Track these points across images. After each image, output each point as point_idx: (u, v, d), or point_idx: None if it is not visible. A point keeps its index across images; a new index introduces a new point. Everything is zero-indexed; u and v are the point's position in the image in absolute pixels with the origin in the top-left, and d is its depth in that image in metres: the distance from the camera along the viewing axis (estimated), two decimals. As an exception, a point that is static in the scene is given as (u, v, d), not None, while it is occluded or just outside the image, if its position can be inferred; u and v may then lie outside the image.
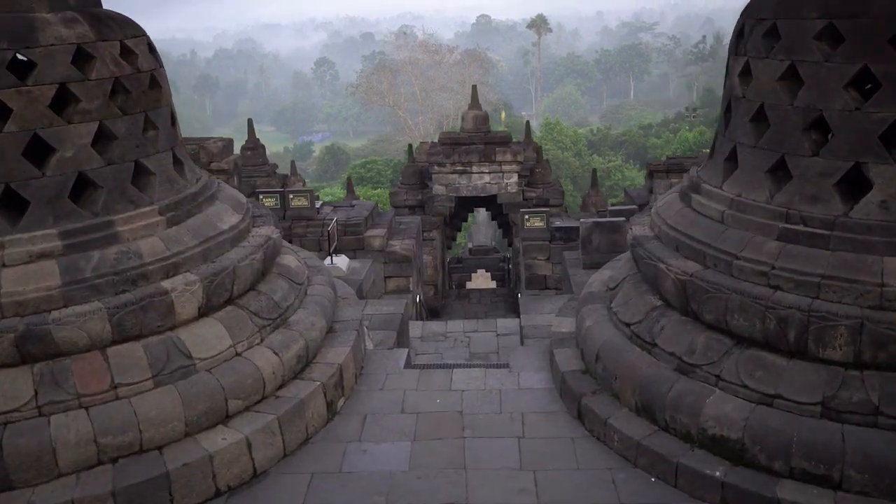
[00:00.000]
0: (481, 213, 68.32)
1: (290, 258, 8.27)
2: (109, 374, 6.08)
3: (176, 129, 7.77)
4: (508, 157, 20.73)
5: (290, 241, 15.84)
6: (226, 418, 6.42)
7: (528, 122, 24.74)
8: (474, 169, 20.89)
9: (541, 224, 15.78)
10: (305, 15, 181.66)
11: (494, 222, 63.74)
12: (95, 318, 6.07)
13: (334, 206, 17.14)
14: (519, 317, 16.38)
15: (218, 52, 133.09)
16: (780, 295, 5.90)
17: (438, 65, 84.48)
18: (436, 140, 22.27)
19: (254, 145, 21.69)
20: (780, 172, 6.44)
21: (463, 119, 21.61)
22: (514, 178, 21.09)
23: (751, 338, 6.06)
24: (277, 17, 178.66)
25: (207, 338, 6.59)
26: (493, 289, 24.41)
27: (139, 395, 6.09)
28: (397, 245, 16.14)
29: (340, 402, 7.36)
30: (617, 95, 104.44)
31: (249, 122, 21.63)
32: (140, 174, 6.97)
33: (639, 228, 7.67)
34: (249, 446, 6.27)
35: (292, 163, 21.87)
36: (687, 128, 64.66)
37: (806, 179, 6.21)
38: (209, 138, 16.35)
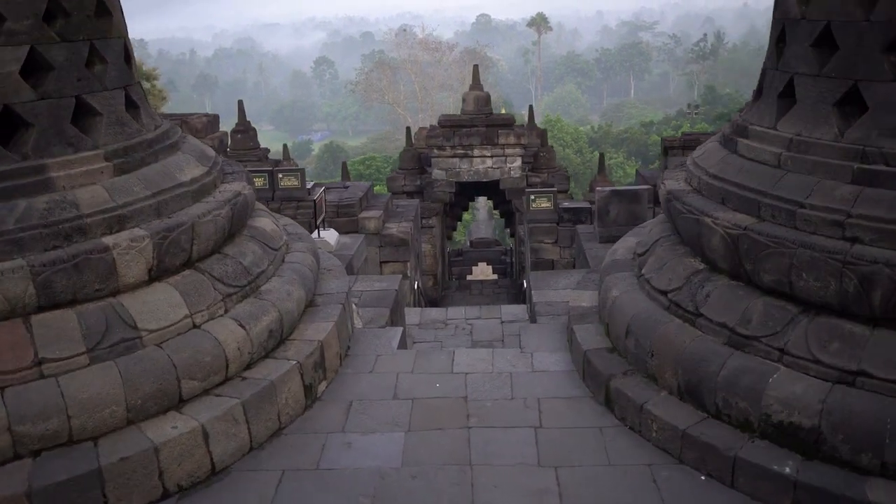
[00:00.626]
0: (481, 212, 67.40)
1: (266, 220, 7.08)
2: (32, 347, 4.89)
3: (132, 69, 6.59)
4: (512, 139, 19.56)
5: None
6: (179, 403, 5.24)
7: (531, 107, 23.59)
8: (476, 152, 19.72)
9: (548, 205, 14.61)
10: (304, 14, 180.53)
11: (493, 220, 62.58)
12: (16, 279, 4.88)
13: (327, 187, 15.94)
14: (525, 303, 15.21)
15: (217, 52, 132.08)
16: (860, 248, 4.72)
17: (438, 63, 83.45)
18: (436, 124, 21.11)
19: (244, 128, 20.51)
20: (851, 104, 5.26)
21: (463, 100, 20.45)
22: (518, 162, 19.91)
23: (823, 302, 4.88)
24: (276, 16, 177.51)
25: (158, 306, 5.41)
26: (495, 280, 23.21)
27: (69, 374, 4.91)
28: (394, 228, 14.97)
29: (321, 387, 6.17)
30: (617, 94, 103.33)
31: (240, 103, 20.46)
32: (82, 113, 5.78)
33: (673, 183, 6.49)
34: (206, 437, 5.09)
35: (284, 146, 20.71)
36: (688, 125, 63.90)
37: (886, 110, 5.03)
38: (192, 114, 15.17)
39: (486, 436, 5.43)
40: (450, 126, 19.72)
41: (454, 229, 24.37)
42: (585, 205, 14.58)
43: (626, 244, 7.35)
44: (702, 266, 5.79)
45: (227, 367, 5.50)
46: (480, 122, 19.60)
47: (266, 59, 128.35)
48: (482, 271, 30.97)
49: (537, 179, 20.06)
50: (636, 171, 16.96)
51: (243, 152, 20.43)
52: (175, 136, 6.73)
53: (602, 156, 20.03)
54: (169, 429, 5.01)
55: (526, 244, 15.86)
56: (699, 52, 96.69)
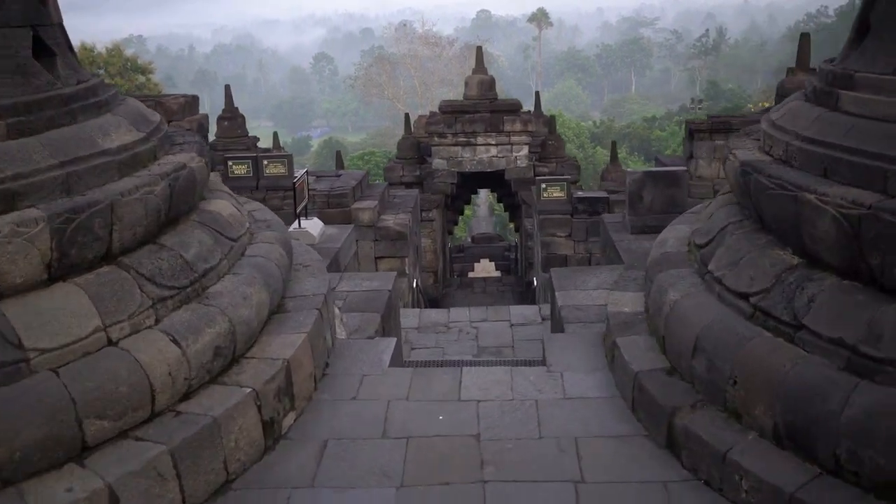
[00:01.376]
0: (482, 208, 65.83)
1: (223, 203, 5.54)
2: None
3: (49, 8, 5.08)
4: (518, 126, 18.03)
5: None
6: (81, 452, 3.72)
7: (537, 93, 22.04)
8: (479, 140, 18.19)
9: (561, 194, 13.09)
10: (304, 11, 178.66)
11: (494, 217, 60.69)
12: None
13: (318, 175, 14.42)
14: (535, 302, 13.68)
15: (216, 48, 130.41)
16: None
17: (438, 58, 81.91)
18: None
19: (231, 114, 18.98)
20: None
21: (466, 85, 18.91)
22: (525, 150, 18.38)
23: None
24: (276, 13, 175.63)
25: (57, 316, 3.89)
26: (499, 277, 21.69)
27: (-86, 415, 3.40)
28: (390, 220, 13.44)
29: (287, 420, 4.65)
30: (618, 90, 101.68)
31: (227, 88, 18.95)
32: (-35, 57, 4.28)
33: (745, 153, 4.96)
34: (115, 502, 3.58)
35: (275, 135, 19.18)
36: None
37: None
38: (168, 94, 13.65)
39: (507, 494, 3.91)
40: (451, 112, 18.21)
41: (455, 223, 22.86)
42: (602, 194, 13.07)
43: (678, 234, 5.82)
44: (797, 260, 4.26)
45: (154, 399, 3.98)
46: (484, 107, 18.09)
47: (265, 55, 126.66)
48: (484, 268, 29.46)
49: (545, 169, 18.53)
50: (655, 158, 15.47)
51: (230, 140, 18.90)
52: (105, 93, 5.19)
53: (614, 144, 18.53)
54: (61, 492, 3.49)
55: (535, 238, 14.34)
56: (701, 48, 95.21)
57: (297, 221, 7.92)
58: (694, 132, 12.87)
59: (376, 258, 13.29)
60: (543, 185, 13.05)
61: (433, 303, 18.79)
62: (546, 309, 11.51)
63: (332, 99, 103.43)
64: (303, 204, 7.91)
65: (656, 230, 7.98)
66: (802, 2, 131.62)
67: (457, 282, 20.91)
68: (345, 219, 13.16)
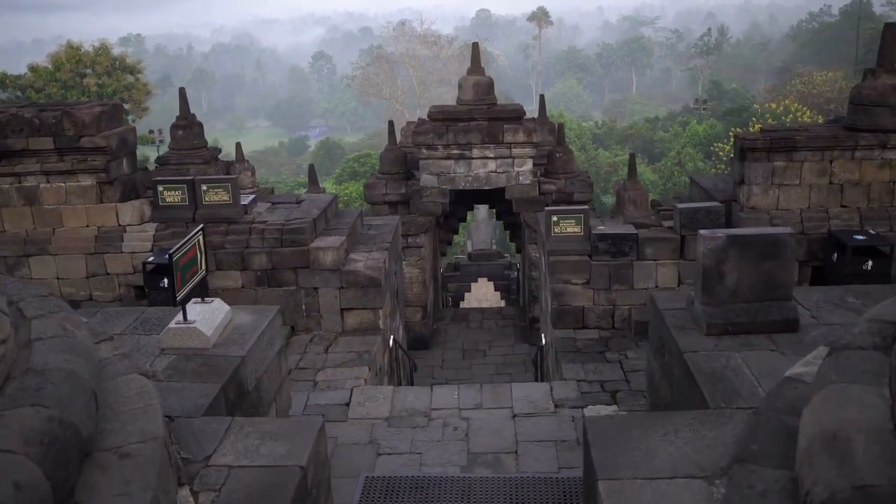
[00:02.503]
0: (481, 211, 62.63)
1: None
2: None
3: None
4: (521, 136, 14.94)
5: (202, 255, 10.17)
6: None
7: (542, 97, 18.93)
8: (475, 153, 15.11)
9: (576, 230, 10.02)
10: (303, 10, 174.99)
11: (493, 219, 57.67)
12: None
13: (273, 202, 11.35)
14: (545, 378, 10.65)
15: (215, 47, 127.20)
16: None
17: (437, 57, 78.83)
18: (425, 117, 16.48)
19: (187, 122, 15.86)
20: None
21: (460, 87, 15.82)
22: (528, 165, 15.30)
23: None
24: (275, 12, 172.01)
25: None
26: (500, 308, 18.62)
27: None
28: (361, 261, 10.38)
29: None
30: (618, 90, 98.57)
31: (181, 92, 15.85)
32: None
33: None
34: None
35: (237, 146, 16.10)
36: (695, 120, 59.77)
37: None
38: (81, 102, 10.61)
39: None
40: (442, 119, 15.16)
41: (449, 243, 19.81)
42: (629, 229, 10.02)
43: (856, 411, 2.73)
44: None
45: None
46: (481, 113, 15.05)
47: (264, 54, 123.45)
48: (483, 288, 26.39)
49: (552, 187, 15.49)
50: (690, 179, 12.42)
51: (185, 152, 15.83)
52: None
53: (633, 157, 15.47)
54: None
55: (544, 282, 11.27)
56: (703, 47, 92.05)
57: (181, 313, 4.88)
58: (746, 150, 9.80)
59: (342, 310, 10.24)
60: (555, 219, 9.99)
61: (421, 342, 15.74)
62: (561, 390, 8.49)
63: (330, 98, 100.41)
64: (190, 284, 4.88)
65: (748, 330, 4.91)
66: (803, 2, 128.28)
67: (450, 313, 17.86)
68: (301, 261, 10.12)
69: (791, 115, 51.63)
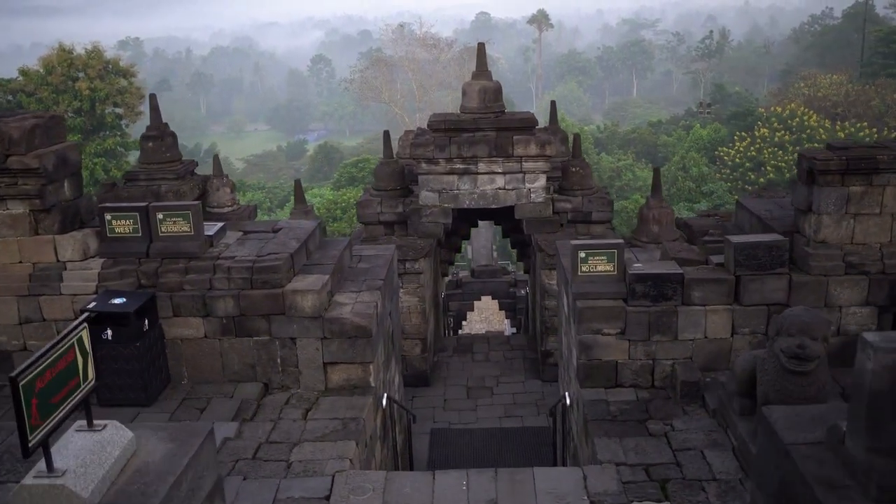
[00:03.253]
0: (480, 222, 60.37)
1: None
2: None
3: None
4: (532, 149, 13.09)
5: (153, 301, 8.35)
6: None
7: (553, 103, 17.07)
8: (482, 167, 13.26)
9: (608, 268, 8.17)
10: (303, 14, 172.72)
11: (493, 229, 55.86)
12: None
13: (245, 232, 9.47)
14: (570, 461, 8.78)
15: (213, 51, 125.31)
16: None
17: (437, 60, 76.97)
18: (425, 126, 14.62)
19: (158, 132, 14.01)
20: None
21: (464, 93, 13.96)
22: (541, 181, 13.46)
23: None
24: (275, 15, 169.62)
25: None
26: (507, 338, 16.75)
27: None
28: (348, 305, 8.52)
29: None
30: (619, 93, 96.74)
31: (152, 98, 13.98)
32: None
33: None
34: None
35: (215, 158, 14.21)
36: (699, 124, 58.15)
37: None
38: (10, 114, 8.73)
39: None
40: (444, 130, 13.33)
41: (451, 263, 17.95)
42: (672, 268, 8.16)
43: None
44: None
45: None
46: (488, 123, 13.22)
47: (262, 58, 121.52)
48: (487, 308, 24.55)
49: (568, 205, 13.64)
50: (738, 202, 10.54)
51: (156, 167, 14.00)
52: None
53: (657, 172, 13.63)
54: None
55: (566, 330, 9.39)
56: (705, 50, 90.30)
57: (45, 458, 3.01)
58: (817, 173, 7.95)
59: (325, 364, 8.38)
60: (583, 255, 8.13)
61: (420, 379, 13.90)
62: (597, 479, 6.63)
63: (329, 102, 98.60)
64: (59, 413, 3.02)
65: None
66: (803, 4, 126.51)
67: (452, 343, 15.98)
68: (276, 306, 8.27)
69: (797, 119, 49.90)
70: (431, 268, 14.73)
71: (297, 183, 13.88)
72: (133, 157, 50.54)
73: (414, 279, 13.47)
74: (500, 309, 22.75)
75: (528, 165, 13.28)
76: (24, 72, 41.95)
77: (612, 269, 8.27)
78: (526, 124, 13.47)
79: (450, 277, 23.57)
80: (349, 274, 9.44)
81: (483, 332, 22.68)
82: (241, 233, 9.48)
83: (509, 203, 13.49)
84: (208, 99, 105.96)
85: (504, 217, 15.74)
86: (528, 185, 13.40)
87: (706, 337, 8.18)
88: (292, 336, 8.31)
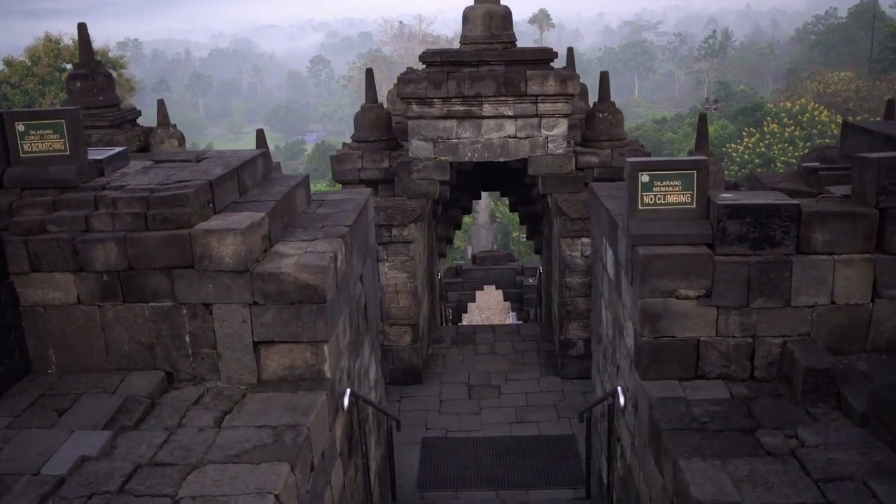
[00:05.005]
0: (481, 215, 57.73)
1: None
2: None
3: None
4: (551, 85, 10.22)
5: (5, 249, 5.42)
6: None
7: (570, 49, 14.26)
8: (487, 110, 10.39)
9: (684, 198, 5.30)
10: (303, 16, 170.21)
11: (495, 225, 52.64)
12: None
13: (156, 161, 6.56)
14: (610, 447, 5.83)
15: (213, 52, 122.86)
16: None
17: (436, 58, 74.32)
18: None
19: (87, 70, 11.21)
20: None
21: (465, 20, 11.08)
22: (562, 127, 10.58)
23: None
24: (275, 18, 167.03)
25: None
26: (516, 326, 13.80)
27: None
28: (292, 256, 5.61)
29: None
30: (620, 94, 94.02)
31: (80, 28, 11.16)
32: None
33: None
34: None
35: (160, 103, 11.39)
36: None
37: None
38: None
39: None
40: (441, 64, 10.50)
41: (449, 241, 15.06)
42: (780, 198, 5.31)
43: None
44: None
45: None
46: (495, 56, 10.39)
47: (262, 60, 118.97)
48: (490, 300, 21.65)
49: (594, 158, 10.78)
50: (845, 124, 7.63)
51: (84, 113, 11.17)
52: None
53: (704, 119, 10.81)
54: None
55: (609, 297, 6.45)
56: (708, 49, 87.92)
57: None
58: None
59: (257, 344, 5.47)
60: (646, 178, 5.26)
61: (410, 375, 11.03)
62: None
63: (328, 102, 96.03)
64: None
65: None
66: (804, 7, 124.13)
67: (451, 333, 13.08)
68: (180, 257, 5.36)
69: (807, 115, 47.49)
70: (424, 237, 11.85)
71: (260, 133, 11.00)
72: (123, 151, 47.96)
73: (402, 250, 10.58)
74: (506, 300, 19.86)
75: (545, 107, 10.40)
76: (8, 62, 39.66)
77: (689, 199, 5.38)
78: (542, 56, 10.60)
79: (448, 266, 20.69)
80: (304, 221, 6.54)
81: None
82: (150, 162, 6.59)
83: (521, 155, 10.61)
84: (207, 100, 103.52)
85: (513, 183, 12.91)
86: (545, 133, 10.51)
87: (833, 302, 5.28)
88: (206, 301, 5.41)
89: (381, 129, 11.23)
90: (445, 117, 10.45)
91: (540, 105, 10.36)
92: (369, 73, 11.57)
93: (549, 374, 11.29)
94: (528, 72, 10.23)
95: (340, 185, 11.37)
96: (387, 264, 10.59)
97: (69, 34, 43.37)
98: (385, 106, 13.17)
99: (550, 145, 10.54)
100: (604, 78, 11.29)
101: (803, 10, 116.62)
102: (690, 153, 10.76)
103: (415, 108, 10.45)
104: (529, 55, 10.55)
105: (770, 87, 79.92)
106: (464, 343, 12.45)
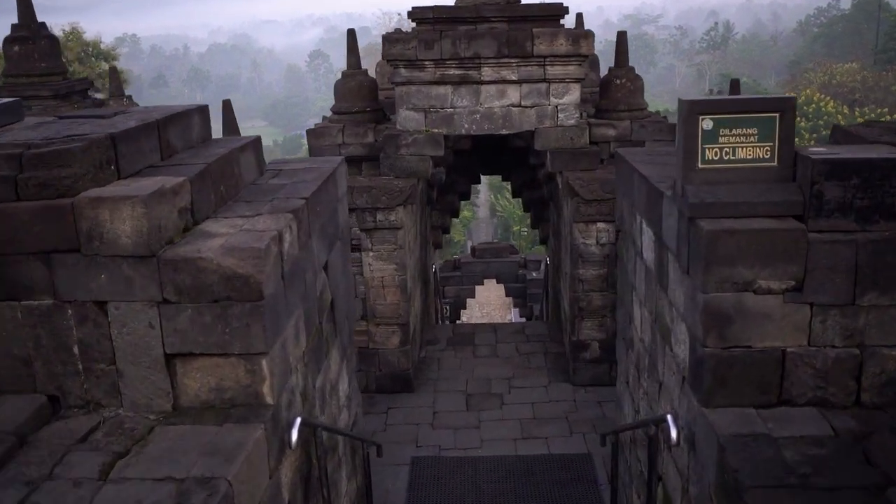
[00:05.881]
0: (481, 208, 56.01)
1: None
2: None
3: None
4: (562, 45, 8.65)
5: None
6: None
7: (580, 15, 12.72)
8: (487, 74, 8.82)
9: (762, 153, 3.77)
10: (303, 11, 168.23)
11: (495, 220, 51.05)
12: None
13: (61, 116, 5.01)
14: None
15: (211, 47, 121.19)
16: None
17: (436, 51, 72.63)
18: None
19: (29, 33, 9.66)
20: None
21: (462, -29, 9.51)
22: (574, 93, 9.01)
23: None
24: (274, 13, 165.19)
25: None
26: (520, 325, 12.21)
27: None
28: (219, 237, 4.06)
29: None
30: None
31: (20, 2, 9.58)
32: None
33: None
34: None
35: (112, 70, 9.84)
36: None
37: None
38: None
39: None
40: (433, 21, 8.95)
41: (446, 230, 13.49)
42: (887, 151, 3.82)
43: None
44: None
45: None
46: (496, 11, 8.84)
47: (261, 54, 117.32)
48: (490, 293, 20.13)
49: (611, 131, 9.25)
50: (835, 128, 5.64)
51: (24, 81, 9.71)
52: None
53: (736, 85, 9.26)
54: None
55: (655, 299, 4.89)
56: (710, 42, 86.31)
57: None
58: None
59: (170, 358, 3.91)
60: (708, 124, 3.74)
61: (400, 382, 9.50)
62: None
63: (327, 97, 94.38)
64: None
65: None
66: (804, 1, 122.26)
67: (447, 332, 11.52)
68: (60, 235, 3.80)
69: (814, 106, 46.02)
70: (416, 224, 10.29)
71: (226, 104, 9.43)
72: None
73: (388, 238, 9.02)
74: (507, 295, 18.31)
75: (554, 71, 8.82)
76: (-15, 52, 38.07)
77: (768, 154, 3.82)
78: (550, 13, 9.02)
79: (446, 259, 19.17)
80: (250, 193, 4.98)
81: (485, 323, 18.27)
82: (53, 118, 5.02)
83: (527, 127, 9.04)
84: (205, 95, 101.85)
85: (517, 163, 11.36)
86: (554, 101, 8.94)
87: (974, 299, 3.72)
88: (99, 298, 3.86)
89: (364, 98, 9.66)
90: (438, 83, 8.88)
91: (548, 68, 8.79)
92: (351, 35, 9.99)
93: (558, 381, 9.75)
94: (534, 29, 8.66)
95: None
96: (371, 254, 9.04)
97: (59, 25, 41.84)
98: (377, 75, 11.66)
99: (560, 115, 8.97)
100: (621, 40, 9.73)
101: (804, 2, 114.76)
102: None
103: (403, 72, 8.88)
104: (536, 11, 8.97)
105: (773, 79, 78.33)
106: (461, 344, 10.90)
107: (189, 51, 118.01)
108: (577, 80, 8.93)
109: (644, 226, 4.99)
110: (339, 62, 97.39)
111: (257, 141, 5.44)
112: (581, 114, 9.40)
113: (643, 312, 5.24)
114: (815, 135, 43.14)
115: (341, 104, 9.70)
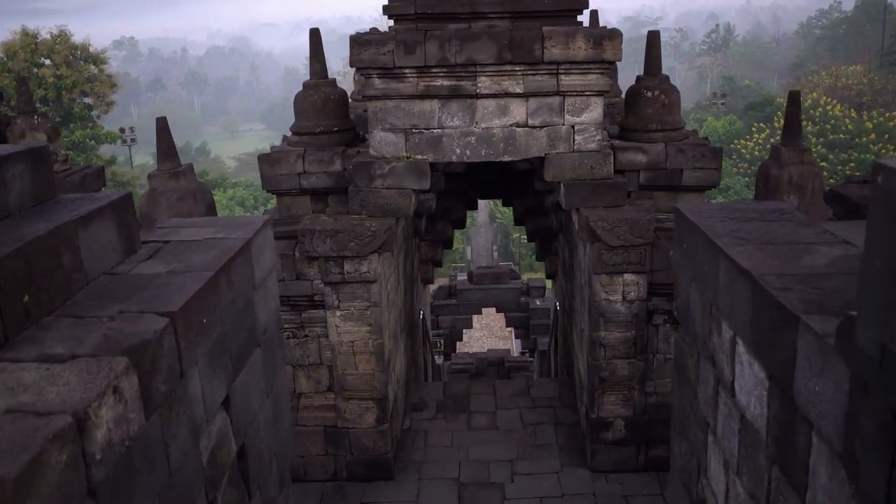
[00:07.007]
0: (481, 215, 53.81)
1: None
2: None
3: None
4: (580, 48, 6.63)
5: None
6: None
7: (594, 12, 10.72)
8: (484, 84, 6.79)
9: None
10: (301, 15, 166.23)
11: (495, 226, 49.20)
12: None
13: None
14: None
15: (209, 51, 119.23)
16: None
17: (434, 54, 70.75)
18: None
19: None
20: None
21: (452, -44, 7.49)
22: (595, 110, 6.98)
23: None
24: (273, 16, 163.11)
25: None
26: (524, 383, 10.10)
27: None
28: None
29: None
30: (622, 89, 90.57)
31: None
32: None
33: None
34: None
35: (22, 81, 7.85)
36: (712, 117, 52.53)
37: None
38: None
39: None
40: (415, 18, 6.97)
41: (438, 264, 11.46)
42: None
43: None
44: None
45: None
46: (495, 4, 6.87)
47: (259, 58, 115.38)
48: (491, 322, 18.14)
49: (641, 157, 7.27)
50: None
51: None
52: None
53: (796, 95, 7.32)
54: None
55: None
56: (711, 44, 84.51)
57: None
58: None
59: None
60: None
61: (377, 469, 7.47)
62: None
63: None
64: None
65: None
66: (805, 1, 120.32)
67: (436, 393, 9.48)
68: None
69: (820, 110, 44.25)
70: (397, 269, 8.26)
71: (161, 122, 7.42)
72: (105, 151, 44.32)
73: (360, 293, 7.00)
74: (509, 325, 16.30)
75: (570, 81, 6.81)
76: (-17, 59, 36.54)
77: None
78: (565, 7, 6.99)
79: (441, 285, 17.14)
80: (91, 294, 2.97)
81: (485, 351, 16.27)
82: None
83: (536, 153, 7.02)
84: (203, 98, 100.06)
85: (521, 188, 9.36)
86: (570, 119, 6.93)
87: None
88: None
89: (331, 115, 7.65)
90: (422, 96, 6.86)
91: (563, 77, 6.78)
92: (314, 36, 7.96)
93: (573, 465, 7.74)
94: (544, 28, 6.66)
95: (275, 198, 7.82)
96: (338, 313, 7.03)
97: (47, 28, 39.92)
98: (354, 83, 9.70)
99: (578, 137, 6.96)
100: (653, 42, 7.74)
101: (804, 4, 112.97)
102: (776, 149, 7.22)
103: (377, 83, 6.87)
104: (547, 4, 6.95)
105: (775, 81, 76.50)
106: (454, 411, 8.88)
107: (187, 54, 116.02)
108: (600, 94, 6.92)
109: (743, 350, 2.98)
110: (336, 65, 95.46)
111: (122, 202, 3.41)
112: (603, 127, 7.40)
113: (733, 481, 3.24)
114: (821, 138, 41.45)
115: (302, 122, 7.69)
